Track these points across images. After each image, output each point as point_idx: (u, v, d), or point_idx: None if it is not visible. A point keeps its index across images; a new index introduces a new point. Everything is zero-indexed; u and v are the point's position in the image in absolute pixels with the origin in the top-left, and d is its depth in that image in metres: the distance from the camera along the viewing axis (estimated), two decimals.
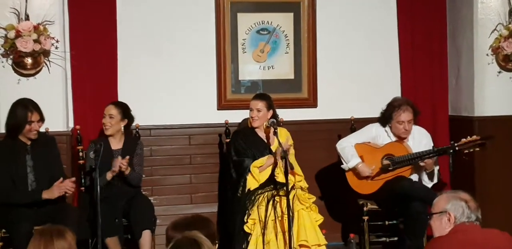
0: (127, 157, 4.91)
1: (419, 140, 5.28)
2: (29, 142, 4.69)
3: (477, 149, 5.07)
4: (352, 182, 5.30)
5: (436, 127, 5.95)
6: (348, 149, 5.26)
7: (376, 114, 5.49)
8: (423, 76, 6.01)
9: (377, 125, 5.36)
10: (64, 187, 4.53)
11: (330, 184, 5.81)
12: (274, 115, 5.19)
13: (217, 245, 3.21)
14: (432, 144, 5.21)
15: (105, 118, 5.04)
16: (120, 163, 4.85)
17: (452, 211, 3.20)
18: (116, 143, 5.09)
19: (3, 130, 4.83)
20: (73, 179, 4.64)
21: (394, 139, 5.29)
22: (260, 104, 5.13)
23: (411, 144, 5.26)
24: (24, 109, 4.61)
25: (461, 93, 5.96)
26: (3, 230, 4.61)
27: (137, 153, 5.11)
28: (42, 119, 4.67)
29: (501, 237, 3.17)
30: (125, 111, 5.10)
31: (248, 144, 5.16)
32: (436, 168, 5.22)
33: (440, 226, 3.23)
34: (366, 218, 5.23)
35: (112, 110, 5.04)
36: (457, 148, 4.99)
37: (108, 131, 5.04)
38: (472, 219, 3.18)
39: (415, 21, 5.99)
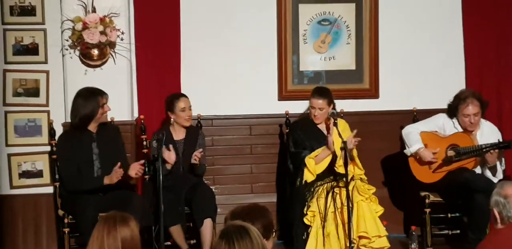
0: (201, 149, 5.01)
1: (488, 136, 5.17)
2: (95, 131, 4.83)
3: None
4: (415, 170, 5.24)
5: (502, 118, 5.82)
6: (413, 135, 5.21)
7: (439, 105, 5.44)
8: (488, 66, 5.88)
9: (445, 115, 5.30)
10: (120, 172, 4.62)
11: (393, 176, 5.76)
12: (333, 106, 5.19)
13: (274, 233, 3.25)
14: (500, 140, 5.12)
15: (186, 112, 5.11)
16: (195, 155, 4.94)
17: (494, 207, 3.17)
18: (178, 134, 5.18)
19: (70, 119, 4.99)
20: (142, 161, 4.75)
21: (461, 130, 5.21)
22: (322, 103, 5.12)
23: (479, 138, 5.18)
24: (93, 95, 4.74)
25: None
26: (70, 217, 4.77)
27: (199, 143, 5.18)
28: (108, 101, 4.81)
29: None
30: None
31: (306, 135, 5.17)
32: (500, 166, 5.12)
33: (494, 222, 3.20)
34: (428, 210, 5.18)
35: (189, 102, 5.15)
36: None
37: (190, 122, 5.15)
38: None
39: (480, 11, 5.85)
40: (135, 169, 4.69)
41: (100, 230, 3.02)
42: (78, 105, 4.76)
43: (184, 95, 5.23)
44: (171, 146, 4.95)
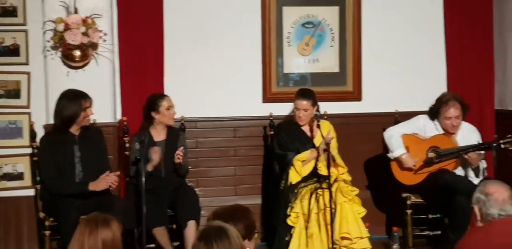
0: (182, 147, 5.01)
1: (468, 137, 5.23)
2: (77, 133, 4.80)
3: None
4: (396, 172, 5.29)
5: (482, 121, 5.89)
6: (394, 139, 5.26)
7: (421, 108, 5.47)
8: (469, 70, 5.94)
9: (425, 117, 5.34)
10: (109, 180, 4.62)
11: (374, 177, 5.81)
12: (317, 109, 5.21)
13: (256, 234, 3.26)
14: (480, 141, 5.17)
15: (171, 110, 5.11)
16: (177, 154, 4.93)
17: (475, 204, 3.20)
18: (159, 135, 5.16)
19: (51, 121, 4.95)
20: (118, 173, 4.73)
21: (442, 132, 5.25)
22: (306, 104, 5.15)
23: (460, 139, 5.22)
24: (77, 98, 4.72)
25: (507, 87, 5.88)
26: (51, 219, 4.74)
27: (181, 144, 5.17)
28: (91, 105, 4.79)
29: None
30: None
31: (291, 137, 5.19)
32: (482, 165, 5.17)
33: (475, 219, 3.23)
34: (409, 211, 5.21)
35: (172, 102, 5.15)
36: (501, 143, 4.93)
37: (174, 122, 5.15)
38: (504, 213, 3.13)
39: (462, 15, 5.92)
40: (109, 182, 4.64)
41: (81, 231, 3.01)
42: (62, 106, 4.73)
43: (167, 95, 5.23)
44: (157, 148, 4.93)
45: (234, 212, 3.29)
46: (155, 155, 4.87)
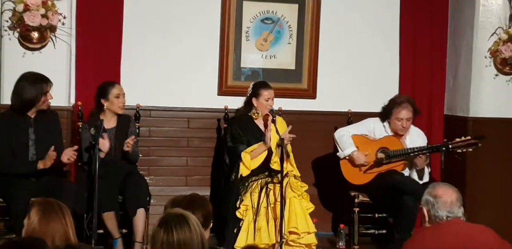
0: (133, 136, 4.99)
1: (415, 140, 5.35)
2: (33, 116, 4.72)
3: (470, 149, 5.16)
4: (345, 172, 5.38)
5: (431, 125, 6.03)
6: (345, 138, 5.34)
7: (373, 109, 5.57)
8: (421, 74, 6.07)
9: (376, 120, 5.44)
10: (68, 153, 4.56)
11: (324, 175, 5.88)
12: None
13: (211, 224, 3.28)
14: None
15: (120, 98, 5.06)
16: (127, 142, 4.91)
17: (424, 206, 3.31)
18: (109, 122, 5.11)
19: (4, 101, 4.85)
20: (75, 147, 4.68)
21: (391, 134, 5.37)
22: (272, 93, 5.21)
23: (408, 142, 5.35)
24: (38, 81, 4.65)
25: (457, 93, 6.04)
26: (0, 200, 4.66)
27: (131, 131, 5.14)
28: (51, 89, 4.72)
29: (486, 232, 3.24)
30: None
31: (244, 131, 5.22)
32: (427, 169, 5.30)
33: (423, 221, 3.33)
34: (356, 209, 5.31)
35: (123, 90, 5.11)
36: (450, 146, 5.08)
37: (123, 110, 5.10)
38: (451, 215, 3.23)
39: (417, 19, 6.04)
40: (68, 155, 4.61)
41: (46, 214, 2.97)
42: (22, 88, 4.64)
43: (118, 83, 5.19)
44: (105, 135, 4.89)
45: (192, 201, 3.32)
46: (103, 144, 4.82)
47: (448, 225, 3.22)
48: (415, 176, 5.30)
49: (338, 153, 5.40)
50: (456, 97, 6.06)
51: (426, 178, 5.31)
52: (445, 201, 3.25)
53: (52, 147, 4.56)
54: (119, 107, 5.08)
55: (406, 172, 5.36)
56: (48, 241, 2.78)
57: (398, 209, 5.11)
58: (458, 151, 5.13)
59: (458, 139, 5.12)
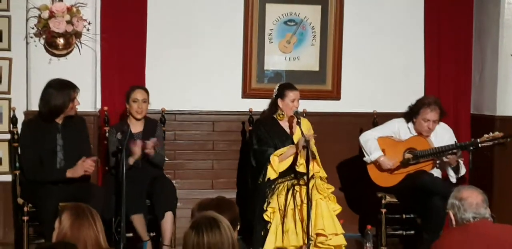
0: (155, 139, 4.99)
1: (442, 136, 5.31)
2: (60, 122, 4.77)
3: (497, 146, 5.11)
4: (373, 175, 5.35)
5: (458, 125, 5.97)
6: (371, 142, 5.30)
7: (398, 109, 5.52)
8: (447, 74, 6.03)
9: (400, 121, 5.40)
10: (85, 165, 4.60)
11: (350, 176, 5.86)
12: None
13: (238, 227, 3.29)
14: (454, 139, 5.27)
15: (138, 103, 5.08)
16: (147, 144, 4.92)
17: (450, 210, 3.30)
18: (137, 127, 5.15)
19: (32, 107, 4.90)
20: (94, 158, 4.72)
21: (415, 135, 5.32)
22: (298, 94, 5.20)
23: (434, 140, 5.30)
24: (66, 88, 4.70)
25: (484, 92, 5.98)
26: (29, 205, 4.71)
27: (157, 135, 5.16)
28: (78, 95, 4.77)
29: None
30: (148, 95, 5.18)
31: (270, 133, 5.22)
32: (461, 161, 5.23)
33: (450, 224, 3.32)
34: (384, 210, 5.28)
35: (144, 95, 5.12)
36: (479, 144, 5.03)
37: (141, 115, 5.11)
38: (478, 216, 3.22)
39: (442, 18, 6.01)
40: (85, 167, 4.61)
41: (77, 219, 2.98)
42: (50, 95, 4.70)
43: (142, 88, 5.22)
44: (139, 142, 4.92)
45: (219, 204, 3.32)
46: (137, 148, 4.86)
47: (476, 226, 3.21)
48: (450, 172, 5.25)
49: (364, 158, 5.36)
50: (482, 96, 6.00)
51: (463, 171, 5.26)
52: (471, 203, 3.25)
53: (84, 158, 4.60)
54: (135, 112, 5.10)
55: (434, 172, 5.32)
56: (80, 247, 2.80)
57: (426, 210, 5.05)
58: (486, 145, 5.06)
59: (487, 135, 5.06)
